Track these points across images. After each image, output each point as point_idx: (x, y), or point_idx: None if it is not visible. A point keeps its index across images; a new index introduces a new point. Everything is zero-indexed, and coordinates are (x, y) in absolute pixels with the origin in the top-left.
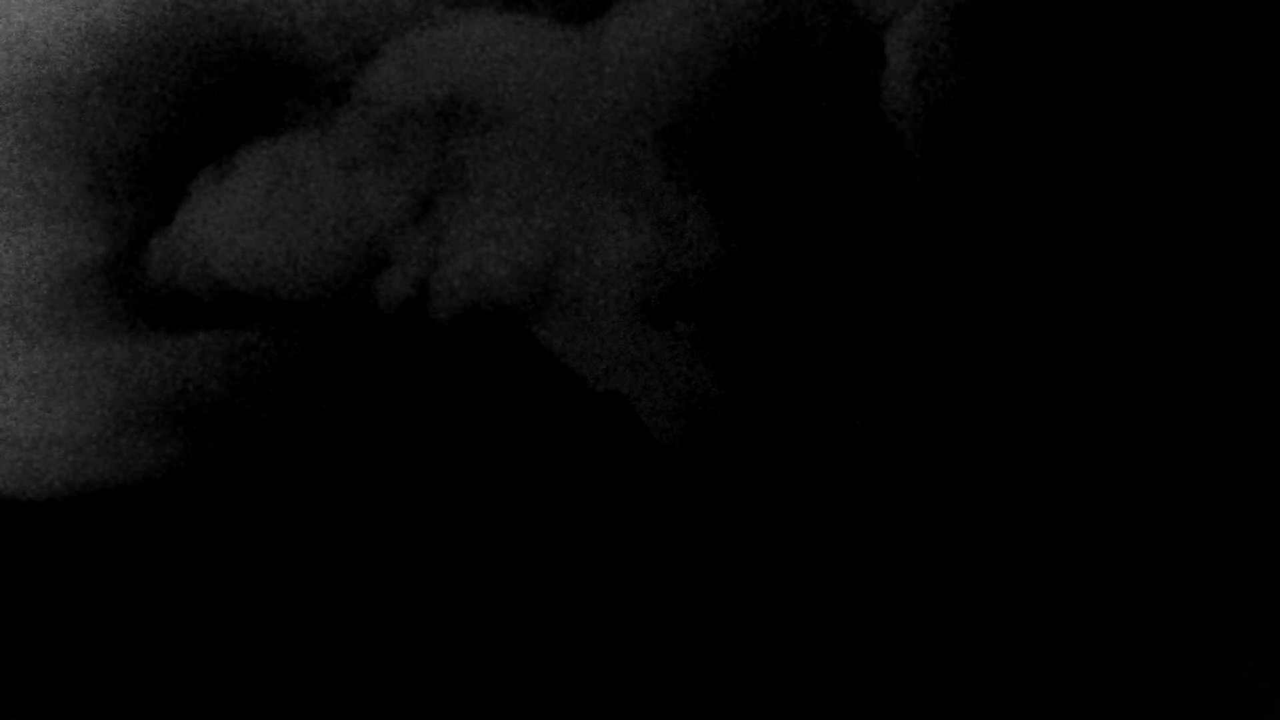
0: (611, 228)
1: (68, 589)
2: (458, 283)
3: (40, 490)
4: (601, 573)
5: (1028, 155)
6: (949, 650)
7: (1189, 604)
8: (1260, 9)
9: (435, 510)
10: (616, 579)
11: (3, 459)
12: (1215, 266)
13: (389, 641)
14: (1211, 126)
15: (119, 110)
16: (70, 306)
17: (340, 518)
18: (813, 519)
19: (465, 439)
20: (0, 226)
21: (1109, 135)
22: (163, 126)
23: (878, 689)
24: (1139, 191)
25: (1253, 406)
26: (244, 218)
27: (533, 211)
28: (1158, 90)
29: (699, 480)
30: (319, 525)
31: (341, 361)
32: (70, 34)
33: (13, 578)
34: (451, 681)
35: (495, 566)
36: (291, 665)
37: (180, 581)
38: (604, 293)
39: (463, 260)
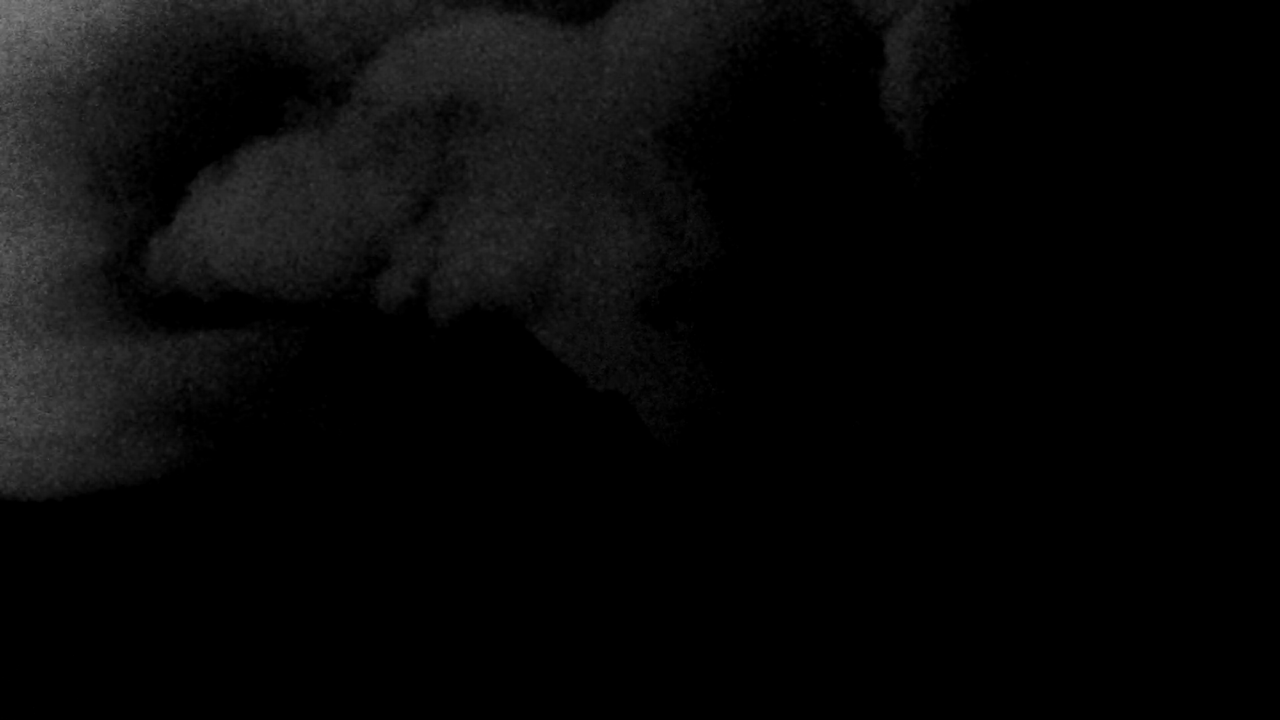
0: (611, 228)
1: (68, 589)
2: (458, 283)
3: (40, 490)
4: (602, 572)
5: (1027, 155)
6: (949, 650)
7: (1189, 604)
8: (1260, 9)
9: (435, 510)
10: (617, 578)
11: (3, 459)
12: (1215, 266)
13: (389, 641)
14: (1211, 126)
15: (119, 110)
16: (70, 306)
17: (340, 517)
18: (812, 519)
19: (465, 439)
20: (0, 226)
21: (1108, 135)
22: (163, 126)
23: (878, 689)
24: (1138, 191)
25: (1253, 406)
26: (244, 218)
27: (533, 211)
28: (1157, 90)
29: (699, 480)
30: (319, 525)
31: (341, 361)
32: (70, 34)
33: (13, 578)
34: (451, 681)
35: (495, 566)
36: (291, 665)
37: (180, 581)
38: (604, 293)
39: (463, 260)
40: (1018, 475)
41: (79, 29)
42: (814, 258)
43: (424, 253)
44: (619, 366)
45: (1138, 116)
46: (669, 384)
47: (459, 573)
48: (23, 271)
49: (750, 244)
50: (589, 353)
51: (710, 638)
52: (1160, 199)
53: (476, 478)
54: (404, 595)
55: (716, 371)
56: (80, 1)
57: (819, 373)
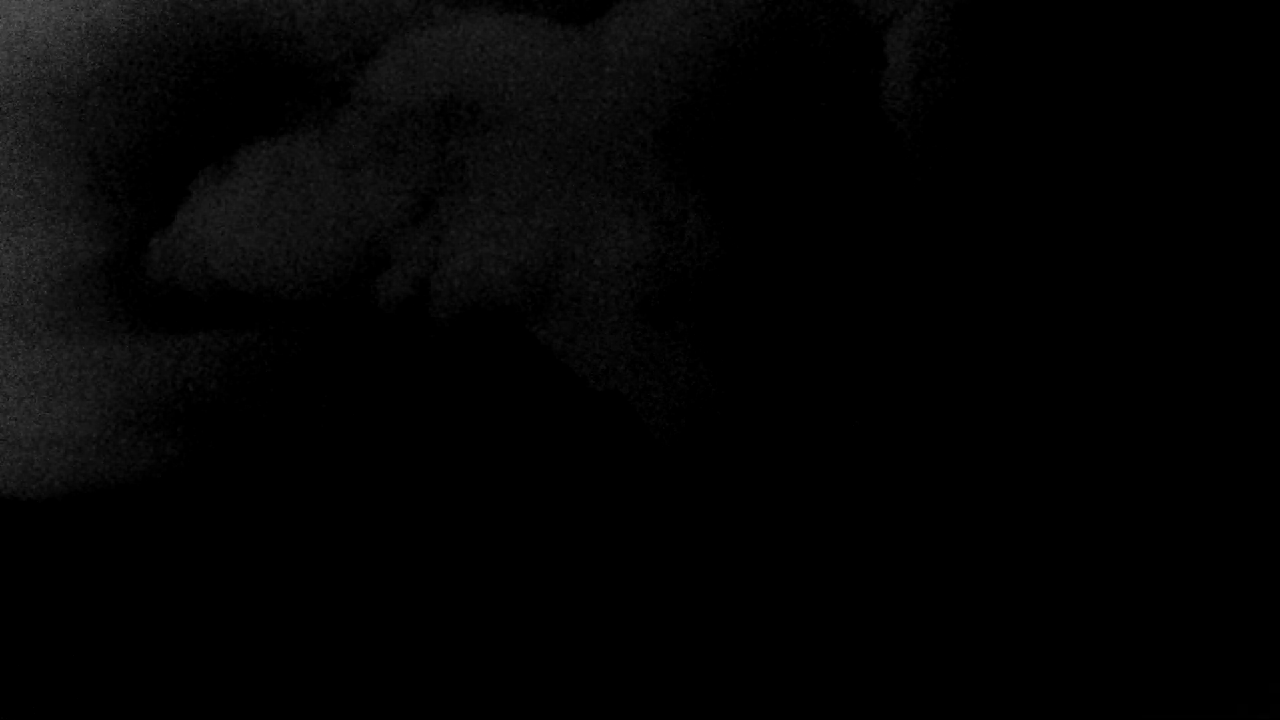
0: (611, 228)
1: (68, 589)
2: (458, 283)
3: (40, 490)
4: (602, 572)
5: (1028, 155)
6: (949, 650)
7: (1189, 604)
8: (1260, 9)
9: (435, 510)
10: (617, 579)
11: (3, 459)
12: (1215, 266)
13: (389, 641)
14: (1212, 126)
15: (119, 110)
16: (70, 306)
17: (340, 518)
18: (813, 519)
19: (465, 439)
20: (0, 226)
21: (1110, 135)
22: (163, 126)
23: (878, 689)
24: (1139, 191)
25: (1253, 406)
26: (244, 218)
27: (533, 211)
28: (1159, 90)
29: (699, 480)
30: (318, 526)
31: (341, 361)
32: (70, 34)
33: (13, 578)
34: (451, 681)
35: (495, 566)
36: (291, 665)
37: (180, 581)
38: (604, 293)
39: (463, 260)
40: (1018, 475)
41: (79, 29)
42: (813, 257)
43: (424, 253)
44: (619, 366)
45: (1139, 116)
46: (669, 384)
47: (459, 572)
48: (23, 271)
49: (750, 244)
50: (589, 353)
51: (710, 637)
52: (1162, 199)
53: (476, 477)
54: (404, 595)
55: (716, 371)
56: (80, 1)
57: (819, 373)
